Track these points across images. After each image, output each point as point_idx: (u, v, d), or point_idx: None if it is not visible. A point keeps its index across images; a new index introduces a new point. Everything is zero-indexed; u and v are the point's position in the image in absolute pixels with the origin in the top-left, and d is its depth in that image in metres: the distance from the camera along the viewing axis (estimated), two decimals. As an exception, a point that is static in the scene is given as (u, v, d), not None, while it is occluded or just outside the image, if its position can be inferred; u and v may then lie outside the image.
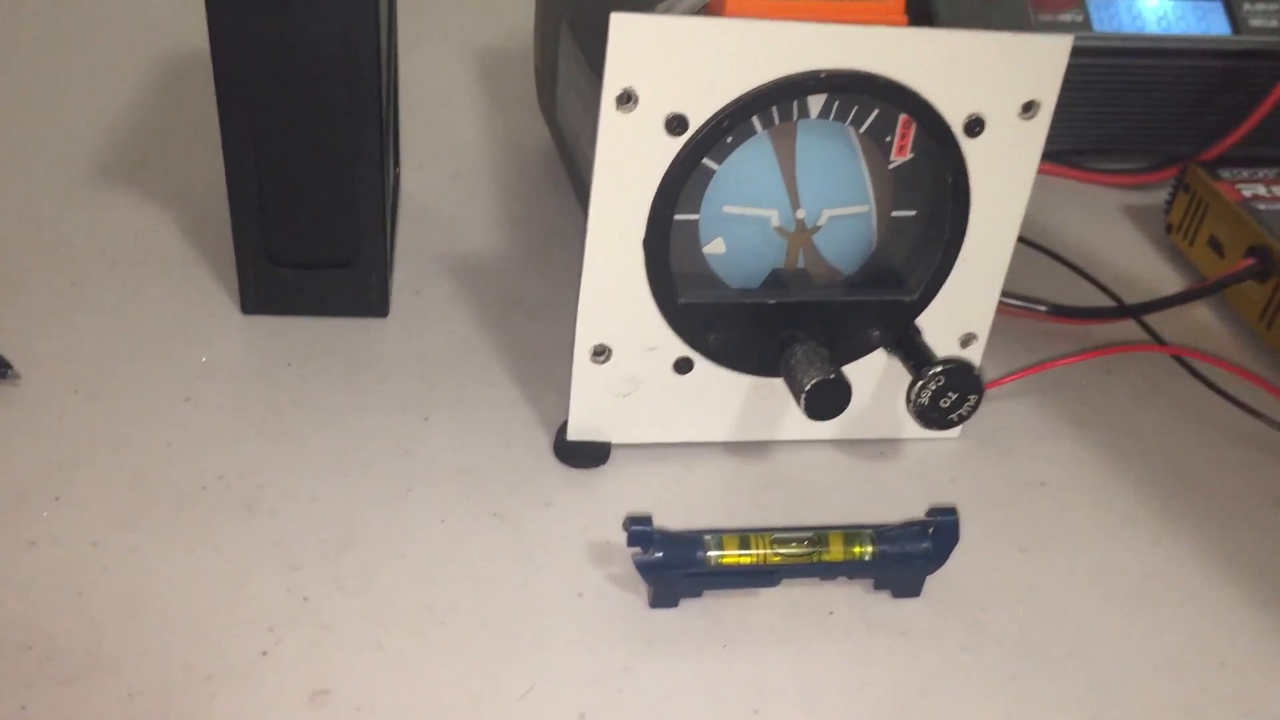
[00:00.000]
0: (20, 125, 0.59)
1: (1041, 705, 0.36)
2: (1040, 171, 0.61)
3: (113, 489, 0.39)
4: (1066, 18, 0.57)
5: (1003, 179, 0.40)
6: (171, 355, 0.45)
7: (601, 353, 0.40)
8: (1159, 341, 0.50)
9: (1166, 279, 0.55)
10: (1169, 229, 0.56)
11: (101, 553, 0.37)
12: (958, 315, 0.42)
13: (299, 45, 0.41)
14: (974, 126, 0.39)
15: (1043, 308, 0.50)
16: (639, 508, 0.40)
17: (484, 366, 0.46)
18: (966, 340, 0.43)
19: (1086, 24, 0.58)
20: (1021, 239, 0.53)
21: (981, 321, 0.43)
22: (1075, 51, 0.57)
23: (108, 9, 0.70)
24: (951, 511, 0.38)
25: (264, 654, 0.34)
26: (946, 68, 0.38)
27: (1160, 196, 0.59)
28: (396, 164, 0.54)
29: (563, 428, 0.42)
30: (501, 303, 0.49)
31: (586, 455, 0.42)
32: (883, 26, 0.37)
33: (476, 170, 0.58)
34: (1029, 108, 0.39)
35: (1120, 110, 0.60)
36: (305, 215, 0.45)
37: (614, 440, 0.42)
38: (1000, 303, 0.42)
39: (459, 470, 0.41)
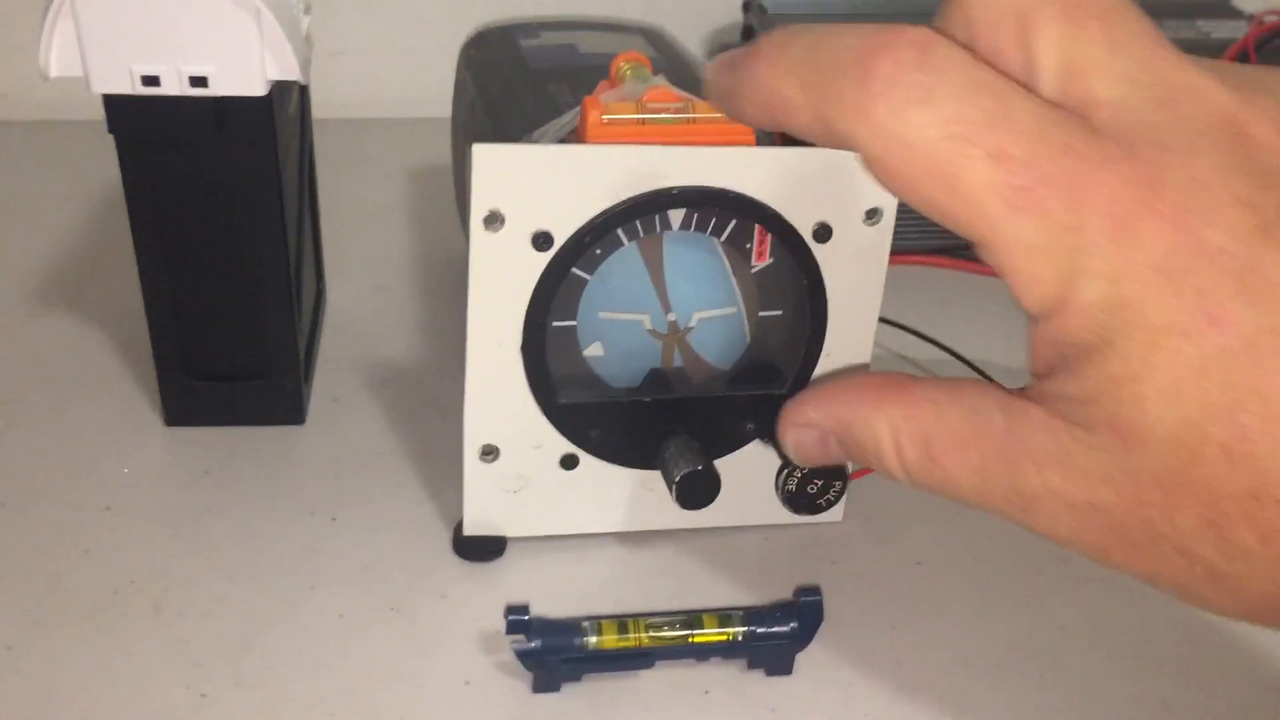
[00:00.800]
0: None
1: (899, 774, 0.38)
2: (936, 265, 0.64)
3: (30, 594, 0.41)
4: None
5: (855, 279, 0.43)
6: (95, 467, 0.47)
7: (490, 452, 0.43)
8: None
9: (1054, 363, 0.58)
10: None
11: (14, 656, 0.39)
12: (827, 406, 0.45)
13: (204, 180, 0.44)
14: (822, 233, 0.42)
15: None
16: (531, 597, 0.43)
17: (394, 468, 0.49)
18: (837, 429, 0.46)
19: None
20: (905, 329, 0.57)
21: (851, 411, 0.46)
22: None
23: (43, 142, 0.74)
24: (816, 591, 0.41)
25: (161, 748, 0.37)
26: (792, 182, 0.41)
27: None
28: (320, 278, 0.57)
29: (459, 524, 0.45)
30: (417, 405, 0.52)
31: (482, 549, 0.45)
32: (731, 147, 0.40)
33: (400, 282, 0.62)
34: (872, 214, 0.42)
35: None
36: (219, 332, 0.48)
37: (508, 534, 0.45)
38: None
39: (361, 567, 0.44)
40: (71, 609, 0.41)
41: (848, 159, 0.41)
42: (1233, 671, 0.42)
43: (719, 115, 0.41)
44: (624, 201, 0.40)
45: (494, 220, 0.39)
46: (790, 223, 0.42)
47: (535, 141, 0.44)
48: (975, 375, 0.54)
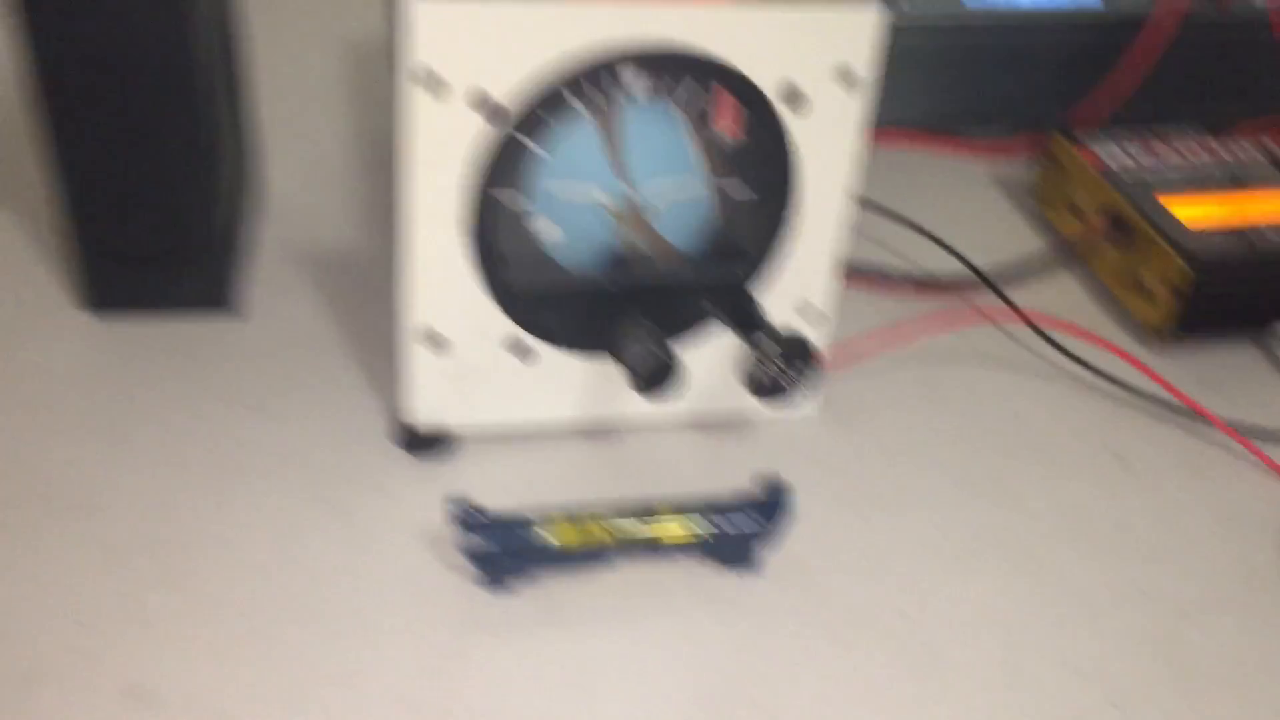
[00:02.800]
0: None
1: (871, 667, 0.36)
2: (911, 144, 0.61)
3: (-63, 494, 0.39)
4: (935, -8, 0.58)
5: (828, 150, 0.40)
6: (11, 358, 0.44)
7: (434, 337, 0.40)
8: (1011, 308, 0.50)
9: (1033, 248, 0.55)
10: (1036, 196, 0.57)
11: (-80, 559, 0.36)
12: (794, 286, 0.42)
13: (112, 43, 0.40)
14: (793, 99, 0.39)
15: (897, 277, 0.50)
16: (478, 492, 0.40)
17: (334, 359, 0.46)
18: (804, 310, 0.43)
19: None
20: (884, 211, 0.54)
21: (819, 291, 0.43)
22: (946, 27, 0.58)
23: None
24: (779, 485, 0.38)
25: (80, 651, 0.34)
26: (757, 41, 0.38)
27: (1029, 166, 0.59)
28: (248, 156, 0.53)
29: (402, 414, 0.42)
30: (357, 294, 0.49)
31: (426, 444, 0.42)
32: (691, 3, 0.37)
33: (342, 164, 0.58)
34: (847, 79, 0.39)
35: (992, 83, 0.60)
36: (134, 209, 0.44)
37: (453, 426, 0.42)
38: (855, 274, 0.43)
39: (296, 462, 0.41)
40: (-17, 507, 0.38)
41: (819, 15, 0.38)
42: (1207, 556, 0.40)
43: (680, -32, 0.37)
44: (575, 63, 0.37)
45: (435, 84, 0.36)
46: (758, 85, 0.38)
47: (479, -1, 0.41)
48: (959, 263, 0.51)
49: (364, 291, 0.49)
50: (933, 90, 0.60)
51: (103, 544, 0.37)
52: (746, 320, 0.41)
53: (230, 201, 0.49)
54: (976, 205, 0.58)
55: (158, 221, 0.44)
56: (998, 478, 0.43)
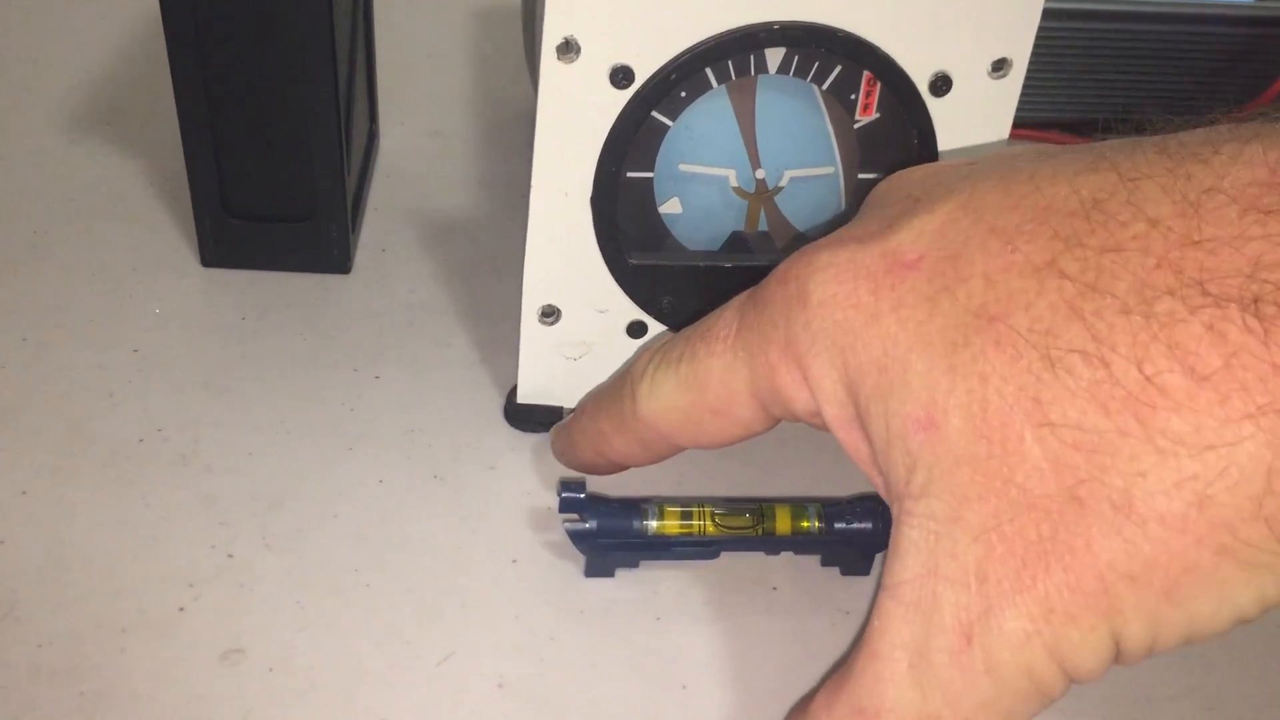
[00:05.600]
0: None
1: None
2: (1054, 140, 0.58)
3: (48, 439, 0.38)
4: (1076, -21, 0.55)
5: (973, 140, 0.38)
6: (125, 306, 0.44)
7: (550, 314, 0.39)
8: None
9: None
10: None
11: (29, 501, 0.36)
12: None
13: (249, 5, 0.40)
14: (940, 85, 0.37)
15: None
16: (589, 478, 0.39)
17: (443, 326, 0.45)
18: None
19: (1098, -13, 0.55)
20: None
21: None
22: (1079, 16, 0.55)
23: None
24: (903, 487, 0.37)
25: (180, 609, 0.34)
26: (910, 23, 0.36)
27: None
28: (373, 119, 0.53)
29: (513, 390, 0.41)
30: (469, 262, 0.48)
31: (536, 419, 0.41)
32: (842, -22, 0.35)
33: (457, 128, 0.57)
34: (999, 66, 0.37)
35: (1129, 80, 0.57)
36: (261, 170, 0.44)
37: (565, 404, 0.41)
38: None
39: (404, 431, 0.40)
40: (92, 456, 0.38)
41: (979, 2, 0.36)
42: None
43: (831, -60, 0.36)
44: (716, 36, 0.35)
45: (569, 49, 0.35)
46: (905, 70, 0.36)
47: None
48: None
49: (474, 259, 0.48)
50: (1074, 87, 0.57)
51: (209, 500, 0.37)
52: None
53: (357, 165, 0.49)
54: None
55: (285, 184, 0.44)
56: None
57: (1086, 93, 0.57)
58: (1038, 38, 0.56)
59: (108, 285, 0.45)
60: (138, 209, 0.49)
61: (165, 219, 0.48)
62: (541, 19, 0.35)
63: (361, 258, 0.48)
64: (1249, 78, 0.57)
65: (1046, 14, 0.54)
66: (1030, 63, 0.55)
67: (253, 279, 0.46)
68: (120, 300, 0.44)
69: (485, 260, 0.48)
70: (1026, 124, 0.58)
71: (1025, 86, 0.56)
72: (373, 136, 0.53)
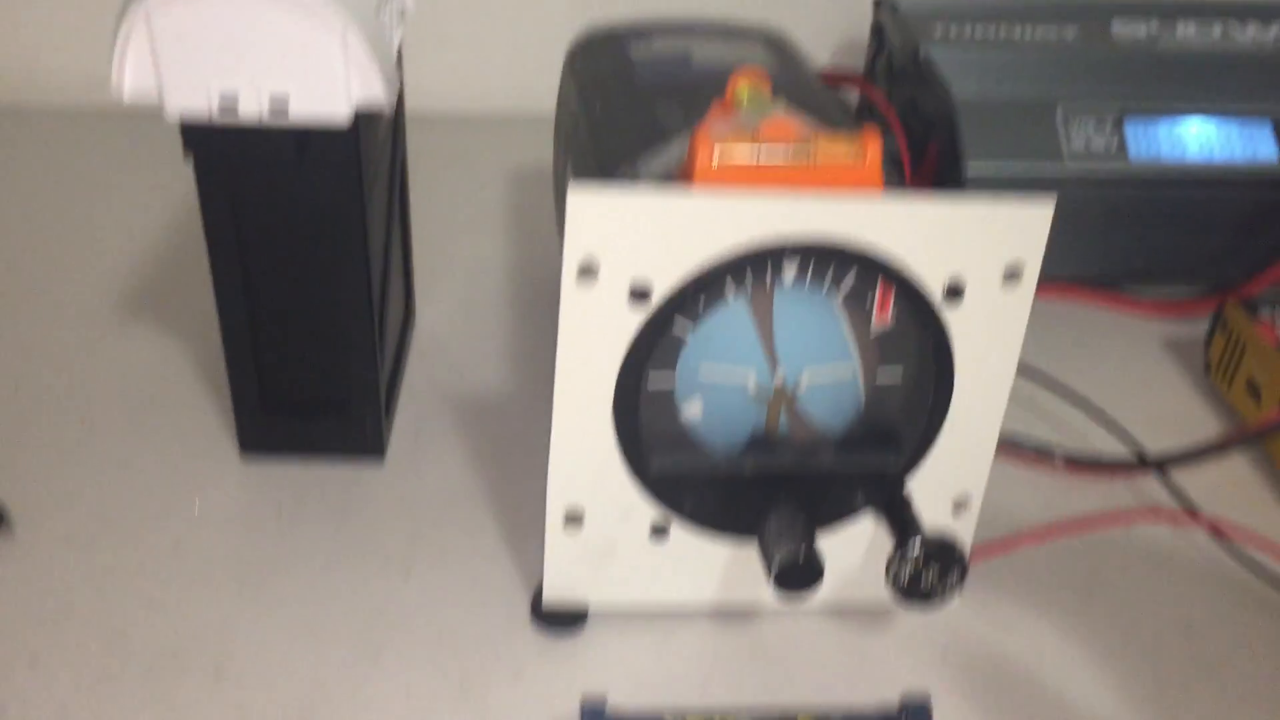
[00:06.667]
0: (46, 261, 0.61)
1: None
2: (1076, 299, 0.59)
3: (88, 650, 0.39)
4: (1100, 145, 0.55)
5: (987, 344, 0.38)
6: (167, 501, 0.45)
7: (575, 518, 0.40)
8: (1182, 500, 0.47)
9: (1203, 423, 0.52)
10: (1208, 368, 0.54)
11: (69, 717, 0.37)
12: (949, 479, 0.41)
13: (285, 207, 0.41)
14: (953, 293, 0.37)
15: (1058, 457, 0.48)
16: (612, 679, 0.39)
17: (474, 515, 0.45)
18: (960, 503, 0.41)
19: (1121, 151, 0.55)
20: (1047, 380, 0.51)
21: (975, 484, 0.41)
22: (1109, 183, 0.56)
23: (136, 147, 0.73)
24: (924, 705, 0.36)
25: (209, 833, 0.34)
26: (921, 236, 0.36)
27: (1205, 327, 0.56)
28: (409, 300, 0.54)
29: (539, 590, 0.41)
30: (502, 442, 0.49)
31: (562, 620, 0.41)
32: (854, 197, 0.36)
33: (493, 301, 0.58)
34: (1011, 274, 0.37)
35: (1161, 240, 0.57)
36: (298, 362, 0.45)
37: (590, 605, 0.41)
38: (1015, 449, 0.41)
39: (433, 633, 0.41)
40: (131, 667, 0.39)
41: (988, 210, 0.37)
42: None
43: (843, 153, 0.37)
44: (733, 254, 0.36)
45: (588, 271, 0.36)
46: (918, 281, 0.37)
47: (639, 175, 0.40)
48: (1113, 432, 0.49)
49: (506, 440, 0.49)
50: (1098, 245, 0.57)
51: (239, 710, 0.37)
52: (896, 515, 0.40)
53: (392, 350, 0.50)
54: (1144, 371, 0.55)
55: (321, 374, 0.45)
56: (1159, 702, 0.40)
57: (1111, 251, 0.58)
58: (1065, 197, 0.57)
59: (150, 478, 0.46)
60: (181, 396, 0.50)
61: (207, 405, 0.50)
62: (563, 236, 0.36)
63: (396, 442, 0.49)
64: (1274, 239, 0.57)
65: (1073, 180, 0.55)
66: (1056, 221, 0.56)
67: (289, 468, 0.47)
68: (162, 494, 0.45)
69: (516, 441, 0.49)
70: (1052, 280, 0.58)
71: (1051, 244, 0.57)
72: (409, 316, 0.54)
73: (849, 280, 0.38)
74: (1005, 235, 0.37)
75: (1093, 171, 0.55)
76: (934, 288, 0.37)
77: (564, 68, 0.55)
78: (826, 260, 0.37)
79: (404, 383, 0.52)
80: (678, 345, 0.38)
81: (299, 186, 0.41)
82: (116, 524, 0.44)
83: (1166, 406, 0.53)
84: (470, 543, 0.44)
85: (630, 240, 0.35)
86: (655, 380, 0.39)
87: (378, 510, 0.45)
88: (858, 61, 0.72)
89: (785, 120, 0.38)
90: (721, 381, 0.39)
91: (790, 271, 0.37)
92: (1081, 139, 0.55)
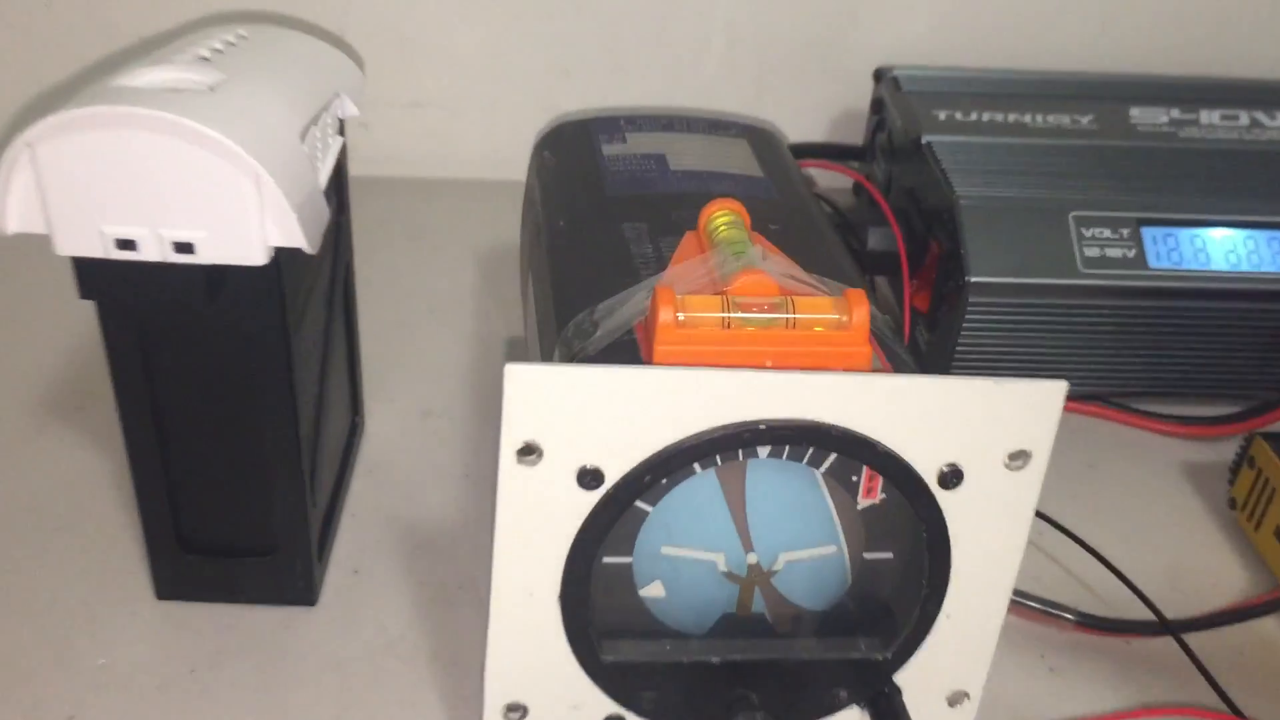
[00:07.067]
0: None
1: None
2: (1092, 415, 0.54)
3: None
4: (1117, 254, 0.51)
5: (990, 529, 0.34)
6: (70, 653, 0.40)
7: (516, 710, 0.35)
8: (1202, 670, 0.42)
9: (1228, 570, 0.47)
10: (1232, 504, 0.49)
11: None
12: (944, 672, 0.36)
13: (198, 348, 0.37)
14: (950, 479, 0.33)
15: (1069, 616, 0.43)
16: None
17: (411, 678, 0.41)
18: (955, 699, 0.36)
19: (1140, 259, 0.51)
20: (1052, 523, 0.46)
21: (974, 678, 0.36)
22: (1126, 294, 0.51)
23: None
24: None
25: None
26: (916, 417, 0.32)
27: (1230, 450, 0.51)
28: (356, 410, 0.50)
29: (478, 780, 0.37)
30: (450, 585, 0.44)
31: (503, 817, 0.37)
32: (836, 374, 0.31)
33: (453, 400, 0.53)
34: (1017, 457, 0.32)
35: (1182, 355, 0.52)
36: (218, 504, 0.40)
37: (535, 801, 0.37)
38: (1022, 607, 0.37)
39: (356, 826, 0.36)
40: None
41: (991, 391, 0.32)
42: None
43: (826, 316, 0.32)
44: (696, 436, 0.31)
45: (529, 452, 0.31)
46: (910, 465, 0.32)
47: (598, 325, 0.36)
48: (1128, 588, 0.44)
49: (453, 582, 0.44)
50: (1114, 360, 0.52)
51: None
52: (883, 713, 0.35)
53: (331, 479, 0.45)
54: (1163, 503, 0.50)
55: (244, 517, 0.41)
56: None
57: (1128, 366, 0.53)
58: (1079, 312, 0.52)
59: (55, 622, 0.41)
60: (98, 522, 0.46)
61: (125, 534, 0.45)
62: (502, 412, 0.31)
63: (332, 580, 0.44)
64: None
65: (1086, 290, 0.51)
66: (1068, 333, 0.52)
67: (210, 614, 0.42)
68: (66, 645, 0.41)
69: (465, 584, 0.44)
70: (1070, 397, 0.53)
71: (1063, 357, 0.52)
72: (356, 426, 0.50)
73: (830, 456, 0.33)
74: (1012, 419, 0.32)
75: (1108, 280, 0.50)
76: (929, 471, 0.32)
77: (532, 158, 0.50)
78: (801, 444, 0.32)
79: (346, 507, 0.47)
80: (635, 525, 0.34)
81: (213, 323, 0.36)
82: (14, 687, 0.39)
83: (1187, 548, 0.48)
84: (408, 703, 0.40)
85: (578, 422, 0.31)
86: (608, 562, 0.34)
87: (305, 667, 0.41)
88: (856, 133, 0.67)
89: (762, 276, 0.33)
90: (687, 560, 0.35)
91: (765, 448, 0.33)
92: (1096, 245, 0.51)
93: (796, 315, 0.32)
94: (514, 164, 0.69)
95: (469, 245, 0.66)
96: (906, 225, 0.55)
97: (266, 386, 0.37)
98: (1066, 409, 0.54)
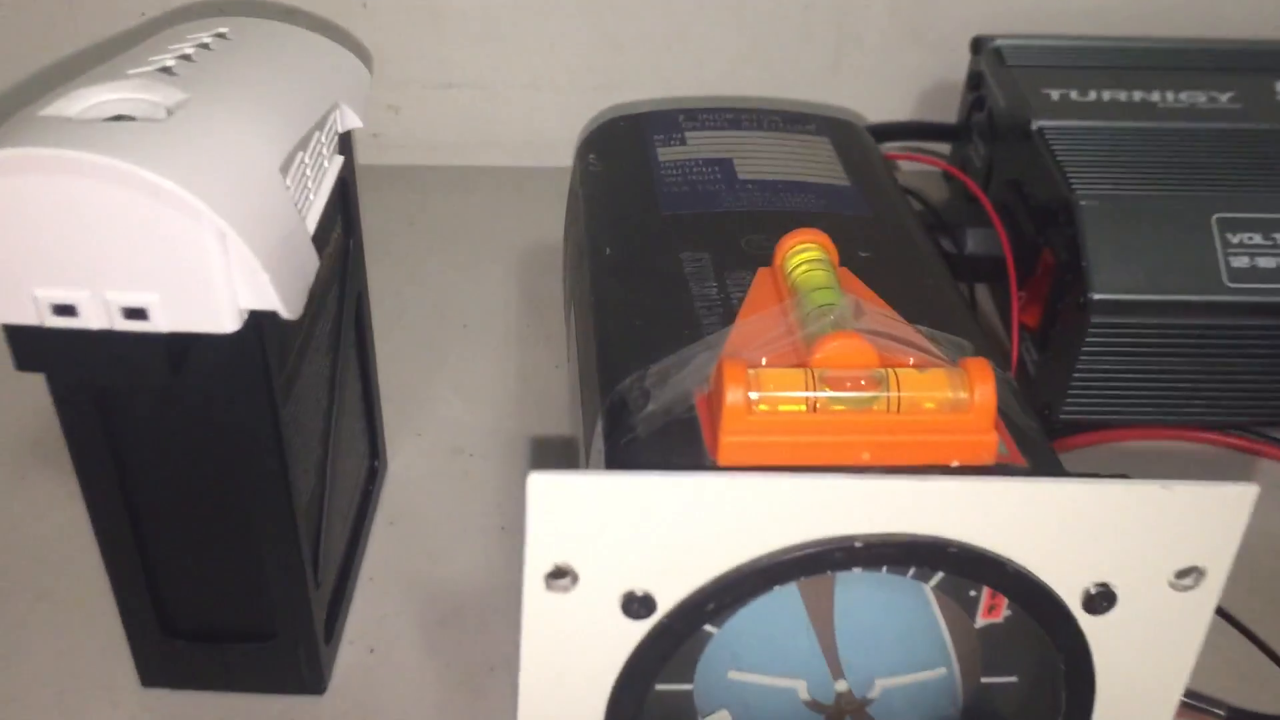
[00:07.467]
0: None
1: None
2: (1241, 449, 0.46)
3: None
4: (1270, 264, 0.43)
5: (1146, 661, 0.27)
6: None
7: None
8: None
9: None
10: None
11: None
12: (1079, 818, 0.29)
13: (168, 419, 0.30)
14: (1099, 602, 0.25)
15: (1220, 712, 0.36)
16: None
17: (434, 782, 0.35)
18: None
19: (1297, 269, 0.43)
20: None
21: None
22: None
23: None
24: None
25: None
26: (1056, 530, 0.24)
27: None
28: (375, 454, 0.43)
29: None
30: (478, 667, 0.38)
31: None
32: (955, 479, 0.24)
33: (489, 434, 0.47)
34: (1187, 574, 0.25)
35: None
36: (205, 587, 0.34)
37: None
38: None
39: None
40: None
41: (1157, 495, 0.25)
42: None
43: (940, 394, 0.25)
44: (771, 555, 0.24)
45: (560, 575, 0.24)
46: (1048, 587, 0.25)
47: (648, 391, 0.29)
48: None
49: (481, 663, 0.38)
50: (1265, 387, 0.44)
51: None
52: None
53: (343, 545, 0.39)
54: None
55: (237, 600, 0.35)
56: None
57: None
58: (1225, 334, 0.44)
59: (29, 712, 0.36)
60: (83, 588, 0.40)
61: (110, 605, 0.39)
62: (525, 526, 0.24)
63: (344, 661, 0.38)
64: None
65: (1236, 308, 0.43)
66: (1214, 363, 0.44)
67: (203, 704, 0.36)
68: (36, 743, 0.35)
69: (497, 665, 0.38)
70: (1203, 426, 0.46)
71: (1207, 389, 0.44)
72: (376, 469, 0.43)
73: (939, 576, 0.26)
74: (1183, 531, 0.25)
75: (1260, 297, 0.42)
76: (1072, 593, 0.25)
77: (575, 161, 0.43)
78: (906, 564, 0.25)
79: (362, 570, 0.41)
80: (698, 649, 0.27)
81: (183, 399, 0.30)
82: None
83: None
84: (426, 832, 0.34)
85: (622, 541, 0.24)
86: (662, 690, 0.27)
87: (310, 771, 0.35)
88: (950, 108, 0.59)
89: (855, 339, 0.26)
90: (761, 687, 0.28)
91: (854, 565, 0.26)
92: (1245, 254, 0.43)
93: (902, 394, 0.25)
94: (559, 150, 0.62)
95: (509, 245, 0.59)
96: (1012, 225, 0.47)
97: (252, 465, 0.31)
98: (1205, 442, 0.46)
